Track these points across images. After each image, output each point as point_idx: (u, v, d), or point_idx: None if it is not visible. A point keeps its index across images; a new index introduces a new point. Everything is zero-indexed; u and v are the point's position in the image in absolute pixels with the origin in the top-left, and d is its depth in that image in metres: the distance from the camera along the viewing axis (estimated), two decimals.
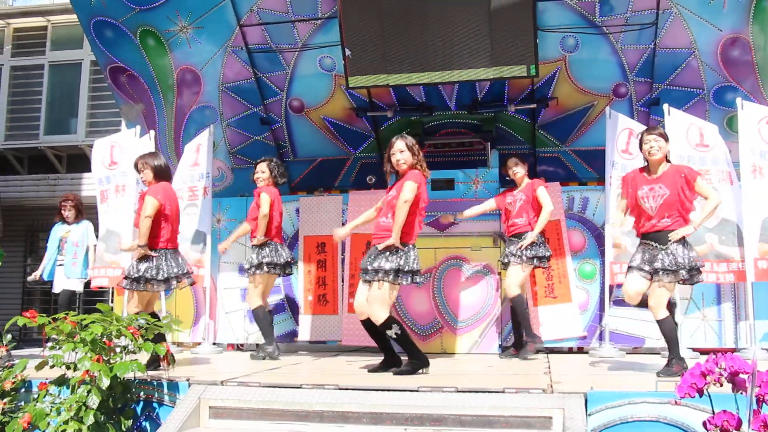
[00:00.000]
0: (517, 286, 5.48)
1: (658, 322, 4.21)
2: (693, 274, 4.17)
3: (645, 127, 4.90)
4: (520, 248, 5.47)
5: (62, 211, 6.90)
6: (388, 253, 4.39)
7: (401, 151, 4.54)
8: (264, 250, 5.52)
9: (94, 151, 6.68)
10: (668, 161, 4.41)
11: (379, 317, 4.41)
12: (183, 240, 5.79)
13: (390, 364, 4.56)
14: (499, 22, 5.78)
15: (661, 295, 4.17)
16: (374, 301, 4.41)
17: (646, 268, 4.22)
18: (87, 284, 6.76)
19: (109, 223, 6.43)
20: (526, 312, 5.60)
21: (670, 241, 4.17)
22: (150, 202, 4.77)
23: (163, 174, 5.01)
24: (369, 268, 4.43)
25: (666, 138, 4.34)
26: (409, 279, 4.41)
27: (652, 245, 4.24)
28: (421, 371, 4.39)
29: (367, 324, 4.56)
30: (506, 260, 5.59)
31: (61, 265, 6.78)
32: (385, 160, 4.67)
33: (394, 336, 4.42)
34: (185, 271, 4.99)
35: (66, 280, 6.76)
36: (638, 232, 4.40)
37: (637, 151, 4.85)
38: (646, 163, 4.42)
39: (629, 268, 4.34)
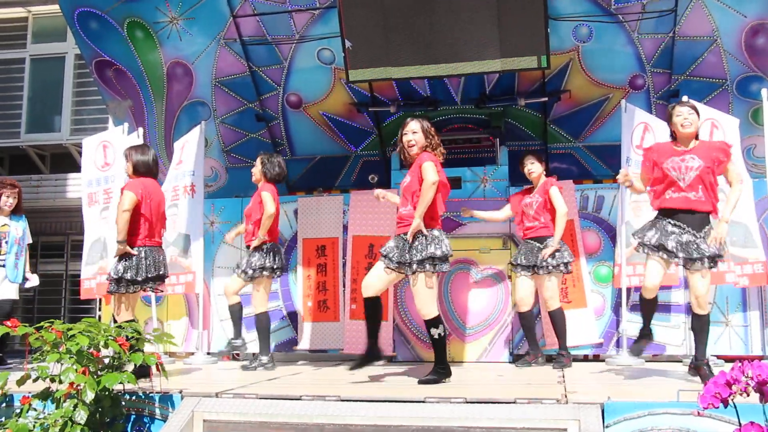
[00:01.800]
0: (557, 299, 5.53)
1: (700, 317, 4.19)
2: (716, 262, 4.17)
3: (666, 111, 4.84)
4: (543, 258, 5.42)
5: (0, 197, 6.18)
6: (417, 242, 4.39)
7: (414, 132, 4.58)
8: (269, 253, 5.50)
9: (84, 150, 6.64)
10: (697, 138, 4.38)
11: (429, 313, 4.42)
12: (164, 245, 5.72)
13: (371, 357, 4.56)
14: (508, 11, 5.77)
15: (706, 285, 4.16)
16: (419, 296, 4.42)
17: (669, 247, 4.15)
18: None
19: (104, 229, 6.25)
20: (565, 325, 5.58)
21: (704, 230, 4.13)
22: (127, 196, 4.75)
23: (144, 169, 4.97)
24: (392, 257, 4.42)
25: (698, 113, 4.33)
26: (445, 266, 4.44)
27: (681, 227, 4.17)
28: (444, 381, 4.45)
29: (369, 303, 4.56)
30: (517, 263, 5.58)
31: (1, 265, 6.16)
32: (398, 140, 4.71)
33: (437, 336, 4.42)
34: (160, 273, 4.91)
35: (8, 285, 6.13)
36: (660, 205, 4.32)
37: None
38: (672, 138, 4.40)
39: (640, 245, 4.29)
